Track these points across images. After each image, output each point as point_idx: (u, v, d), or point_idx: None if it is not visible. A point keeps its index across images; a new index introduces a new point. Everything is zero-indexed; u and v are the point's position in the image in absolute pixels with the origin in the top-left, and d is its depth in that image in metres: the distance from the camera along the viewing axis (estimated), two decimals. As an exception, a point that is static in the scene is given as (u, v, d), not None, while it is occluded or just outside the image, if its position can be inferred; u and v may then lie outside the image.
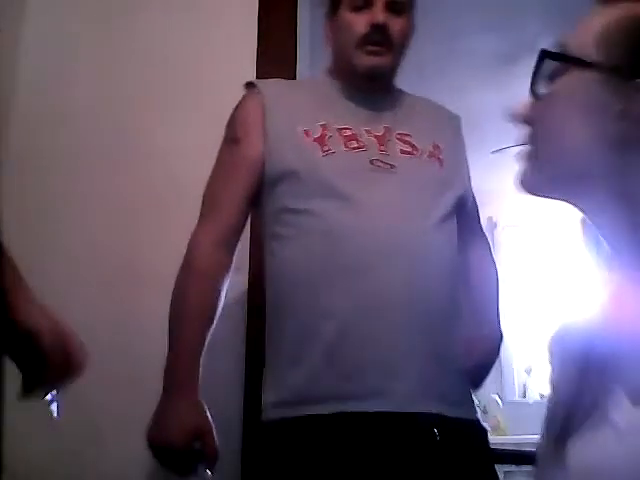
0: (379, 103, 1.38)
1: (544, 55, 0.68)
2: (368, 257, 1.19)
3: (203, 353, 1.22)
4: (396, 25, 1.33)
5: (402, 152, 1.32)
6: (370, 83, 1.37)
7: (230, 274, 1.31)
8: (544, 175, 0.70)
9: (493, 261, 1.50)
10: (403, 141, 1.34)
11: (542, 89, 0.69)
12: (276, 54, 1.77)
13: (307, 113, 1.33)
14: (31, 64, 1.79)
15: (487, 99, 3.39)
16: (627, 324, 0.59)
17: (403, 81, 1.48)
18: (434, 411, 1.17)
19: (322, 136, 1.29)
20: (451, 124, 1.48)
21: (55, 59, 1.82)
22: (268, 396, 1.22)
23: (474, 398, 1.31)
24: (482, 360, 1.35)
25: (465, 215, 1.40)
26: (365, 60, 1.33)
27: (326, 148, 1.28)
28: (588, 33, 0.66)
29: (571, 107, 0.66)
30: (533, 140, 0.71)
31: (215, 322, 1.26)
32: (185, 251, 1.30)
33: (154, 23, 1.84)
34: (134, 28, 1.83)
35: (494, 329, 1.41)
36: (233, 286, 1.37)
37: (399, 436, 1.15)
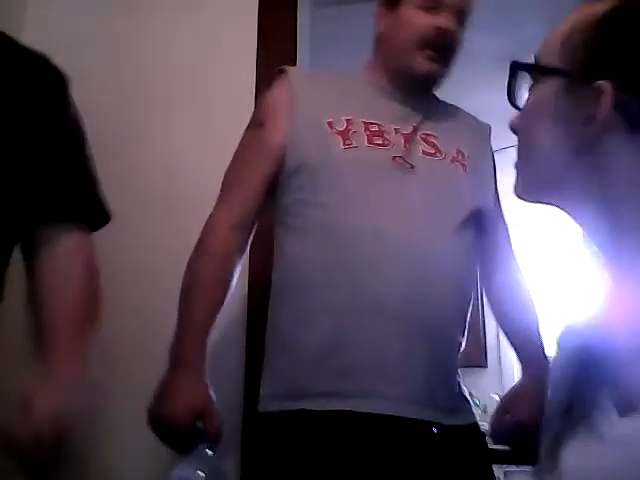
0: (414, 104, 1.34)
1: (515, 67, 0.71)
2: (372, 256, 1.17)
3: (210, 333, 1.22)
4: (458, 35, 1.32)
5: (424, 153, 1.29)
6: (420, 87, 1.34)
7: (244, 254, 1.31)
8: (527, 182, 0.72)
9: (525, 282, 1.44)
10: (427, 142, 1.31)
11: (521, 100, 0.71)
12: (276, 54, 1.77)
13: (334, 105, 1.30)
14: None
15: (487, 99, 3.38)
16: (616, 327, 0.58)
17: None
18: (426, 418, 1.16)
19: (346, 130, 1.26)
20: (479, 133, 1.44)
21: (54, 59, 1.82)
22: (265, 387, 1.22)
23: (471, 400, 1.29)
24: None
25: (487, 230, 1.36)
26: (423, 64, 1.30)
27: (348, 142, 1.25)
28: (554, 41, 0.67)
29: (543, 115, 0.68)
30: (518, 149, 0.74)
31: (225, 302, 1.25)
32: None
33: (154, 24, 1.84)
34: (134, 29, 1.84)
35: (543, 372, 1.29)
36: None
37: (390, 438, 1.14)
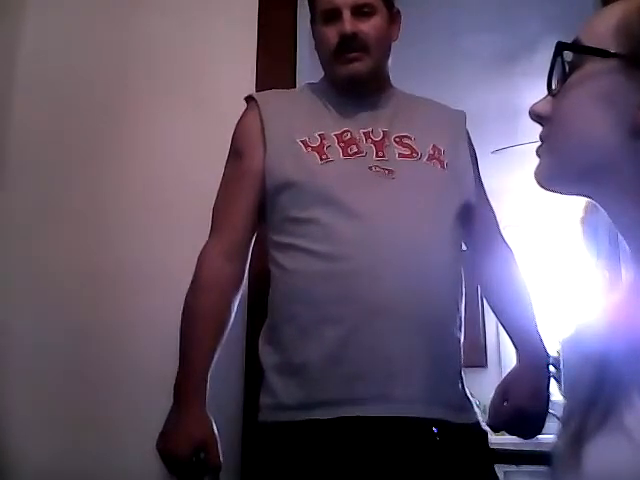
0: (376, 104, 1.38)
1: (561, 47, 0.66)
2: (368, 263, 1.20)
3: (210, 367, 1.26)
4: (367, 28, 1.33)
5: (400, 156, 1.32)
6: (357, 88, 1.37)
7: (242, 285, 1.34)
8: (561, 170, 0.68)
9: (519, 269, 1.45)
10: (402, 144, 1.33)
11: (557, 85, 0.68)
12: (276, 54, 1.77)
13: (305, 123, 1.34)
14: (31, 64, 1.79)
15: (487, 99, 3.39)
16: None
17: (402, 80, 1.47)
18: (436, 416, 1.18)
19: (320, 145, 1.30)
20: (454, 123, 1.46)
21: (55, 60, 1.82)
22: (267, 399, 1.24)
23: (472, 400, 1.30)
24: (535, 404, 1.31)
25: (476, 219, 1.38)
26: (343, 70, 1.34)
27: (324, 157, 1.29)
28: (605, 24, 0.64)
29: (588, 99, 0.65)
30: (548, 136, 0.69)
31: (225, 336, 1.29)
32: (193, 253, 1.31)
33: (154, 25, 1.84)
34: (132, 29, 1.83)
35: (539, 356, 1.35)
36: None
37: (400, 440, 1.15)
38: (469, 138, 1.46)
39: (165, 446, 1.20)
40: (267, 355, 1.27)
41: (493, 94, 3.37)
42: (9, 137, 1.72)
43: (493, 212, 1.49)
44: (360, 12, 1.33)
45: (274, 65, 1.75)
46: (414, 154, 1.33)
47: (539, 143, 0.70)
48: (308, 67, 1.84)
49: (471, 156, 1.44)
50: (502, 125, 3.61)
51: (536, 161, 0.71)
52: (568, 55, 0.66)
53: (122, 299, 1.65)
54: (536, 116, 0.70)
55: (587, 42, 0.65)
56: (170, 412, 1.23)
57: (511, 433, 1.37)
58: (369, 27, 1.33)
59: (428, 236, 1.25)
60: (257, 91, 1.71)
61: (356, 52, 1.33)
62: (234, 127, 1.41)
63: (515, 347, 1.38)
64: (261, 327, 1.32)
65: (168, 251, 1.65)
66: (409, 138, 1.34)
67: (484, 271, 1.45)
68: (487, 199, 1.48)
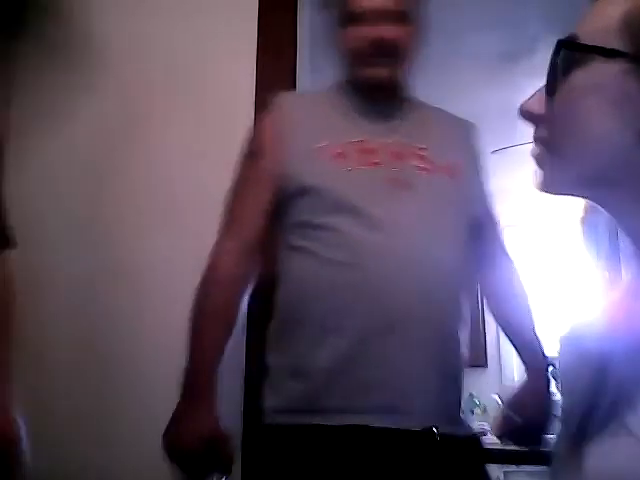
0: (394, 114, 1.38)
1: (561, 46, 0.63)
2: (382, 274, 1.20)
3: (220, 362, 1.25)
4: (399, 34, 1.32)
5: (418, 168, 1.31)
6: (380, 95, 1.37)
7: (252, 284, 1.33)
8: (568, 174, 0.65)
9: (519, 279, 1.47)
10: (419, 157, 1.33)
11: (556, 84, 0.64)
12: (276, 55, 1.77)
13: (327, 130, 1.33)
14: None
15: (488, 98, 3.39)
16: None
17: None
18: (441, 430, 1.18)
19: (341, 153, 1.29)
20: (466, 136, 1.46)
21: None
22: (270, 402, 1.24)
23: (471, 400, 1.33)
24: (539, 413, 1.34)
25: (482, 234, 1.39)
26: (371, 73, 1.33)
27: (344, 165, 1.28)
28: (607, 19, 0.61)
29: (596, 101, 0.61)
30: (551, 139, 0.65)
31: (234, 332, 1.29)
32: (198, 255, 1.31)
33: (154, 26, 1.83)
34: (132, 31, 1.83)
35: (543, 369, 1.36)
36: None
37: (402, 452, 1.16)
38: (477, 152, 1.47)
39: (174, 441, 1.19)
40: (275, 357, 1.27)
41: (494, 94, 3.36)
42: (10, 138, 1.72)
43: (498, 223, 1.50)
44: (394, 19, 1.31)
45: (274, 65, 1.75)
46: (429, 167, 1.32)
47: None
48: (308, 67, 1.84)
49: (480, 169, 1.45)
50: (502, 125, 3.59)
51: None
52: (569, 53, 0.63)
53: (127, 301, 1.65)
54: (529, 115, 0.66)
55: (588, 39, 0.62)
56: (178, 406, 1.21)
57: (518, 444, 1.41)
58: (400, 33, 1.32)
59: (442, 250, 1.25)
60: (257, 91, 1.71)
61: (387, 57, 1.32)
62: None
63: (523, 362, 1.40)
64: (261, 330, 1.32)
65: (173, 252, 1.64)
66: (425, 150, 1.34)
67: (487, 284, 1.46)
68: (494, 214, 1.48)
